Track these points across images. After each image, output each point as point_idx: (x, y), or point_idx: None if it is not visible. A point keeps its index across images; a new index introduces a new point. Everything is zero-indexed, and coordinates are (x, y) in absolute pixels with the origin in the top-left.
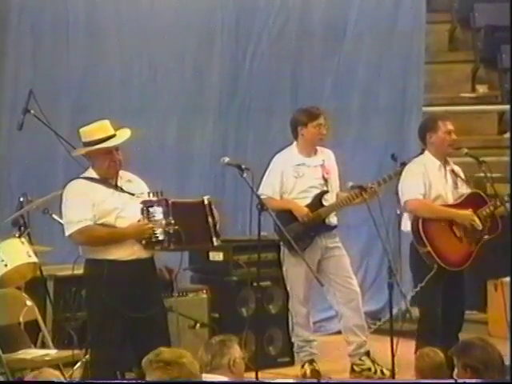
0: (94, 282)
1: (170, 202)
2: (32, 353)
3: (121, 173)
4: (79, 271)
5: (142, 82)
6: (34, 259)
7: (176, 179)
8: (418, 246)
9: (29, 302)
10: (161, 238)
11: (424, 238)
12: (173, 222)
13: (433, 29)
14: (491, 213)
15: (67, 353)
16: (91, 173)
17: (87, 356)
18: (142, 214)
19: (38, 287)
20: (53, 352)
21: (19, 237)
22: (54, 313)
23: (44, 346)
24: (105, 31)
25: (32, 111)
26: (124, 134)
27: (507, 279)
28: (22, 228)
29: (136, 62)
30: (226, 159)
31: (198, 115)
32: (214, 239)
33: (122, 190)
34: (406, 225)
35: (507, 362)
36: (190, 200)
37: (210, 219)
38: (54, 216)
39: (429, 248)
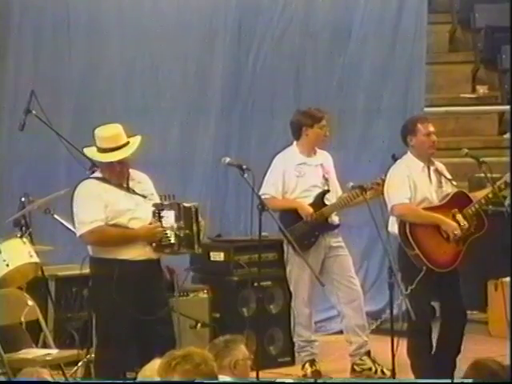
0: (103, 281)
1: (181, 206)
2: (33, 352)
3: (132, 173)
4: (82, 271)
5: (144, 83)
6: (36, 259)
7: (178, 180)
8: (406, 248)
9: (30, 302)
10: (172, 241)
11: (412, 241)
12: (183, 225)
13: (433, 30)
14: (477, 211)
15: (68, 352)
16: (100, 173)
17: (88, 356)
18: (154, 216)
19: (39, 287)
20: (54, 352)
21: (21, 237)
22: (56, 313)
23: (45, 345)
24: (106, 31)
25: (33, 111)
26: (131, 146)
27: (507, 279)
28: (24, 228)
29: (138, 62)
30: (227, 159)
31: (200, 116)
32: (196, 246)
33: (133, 191)
34: (393, 226)
35: (507, 362)
36: (186, 204)
37: (194, 226)
38: (56, 216)
39: (417, 251)
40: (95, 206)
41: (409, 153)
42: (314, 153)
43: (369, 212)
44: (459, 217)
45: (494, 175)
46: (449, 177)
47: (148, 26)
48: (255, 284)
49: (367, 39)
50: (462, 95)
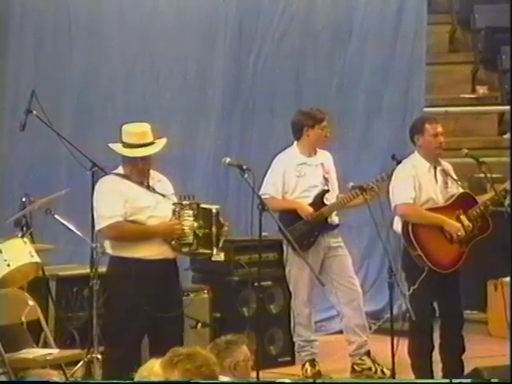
0: (120, 279)
1: (200, 206)
2: (34, 352)
3: (152, 173)
4: (83, 271)
5: (145, 83)
6: (37, 259)
7: (179, 180)
8: (408, 249)
9: (31, 302)
10: (190, 240)
11: (414, 242)
12: (203, 225)
13: (433, 30)
14: (481, 213)
15: (69, 352)
16: (121, 170)
17: (89, 355)
18: (174, 215)
19: (40, 287)
20: (55, 351)
21: (22, 237)
22: (56, 312)
23: (46, 345)
24: (107, 32)
25: (34, 112)
26: (156, 146)
27: (507, 279)
28: (25, 228)
29: (138, 62)
30: (228, 159)
31: (201, 116)
32: (214, 249)
33: (153, 190)
34: (398, 225)
35: (507, 362)
36: (205, 205)
37: (214, 228)
38: (56, 216)
39: (419, 251)
40: (115, 201)
41: (416, 153)
42: (314, 153)
43: (369, 212)
44: (463, 218)
45: (494, 175)
46: (455, 177)
47: (148, 26)
48: (255, 284)
49: (367, 40)
50: (462, 95)
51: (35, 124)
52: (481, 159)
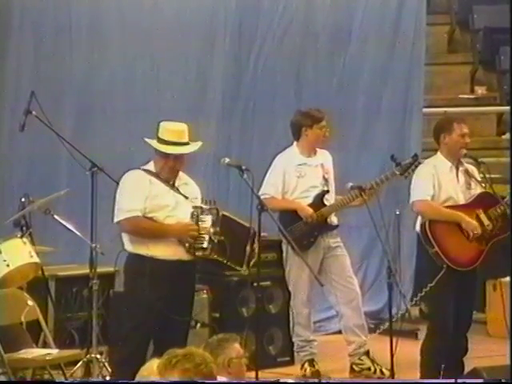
0: (135, 277)
1: (220, 213)
2: (33, 352)
3: (180, 174)
4: (82, 271)
5: (145, 84)
6: (36, 259)
7: None
8: (426, 246)
9: (30, 302)
10: (205, 245)
11: (431, 239)
12: (219, 231)
13: (432, 31)
14: (502, 212)
15: (68, 352)
16: (151, 166)
17: (88, 355)
18: (192, 217)
19: (39, 287)
20: (54, 352)
21: (21, 237)
22: (56, 313)
23: (45, 345)
24: (107, 32)
25: (33, 112)
26: (192, 146)
27: (506, 279)
28: (24, 228)
29: (139, 63)
30: (227, 160)
31: (201, 117)
32: (244, 266)
33: (177, 190)
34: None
35: (507, 362)
36: (240, 220)
37: (248, 247)
38: (56, 217)
39: (436, 248)
40: (136, 195)
41: (438, 153)
42: (314, 153)
43: (368, 213)
44: (483, 217)
45: (493, 176)
46: (479, 179)
47: (148, 27)
48: (255, 284)
49: (367, 40)
50: (461, 96)
51: (35, 124)
52: (480, 159)
